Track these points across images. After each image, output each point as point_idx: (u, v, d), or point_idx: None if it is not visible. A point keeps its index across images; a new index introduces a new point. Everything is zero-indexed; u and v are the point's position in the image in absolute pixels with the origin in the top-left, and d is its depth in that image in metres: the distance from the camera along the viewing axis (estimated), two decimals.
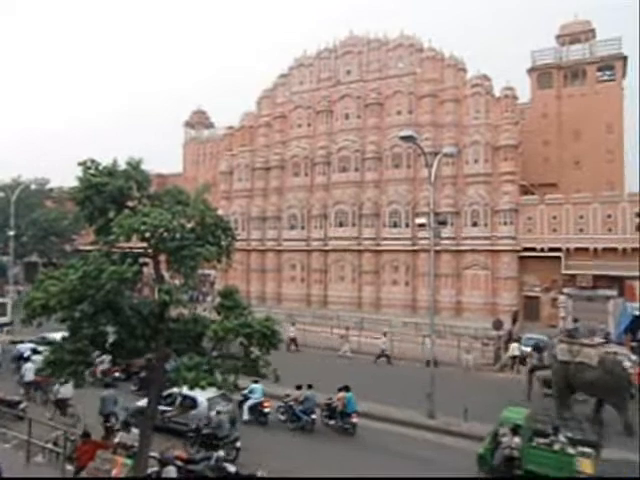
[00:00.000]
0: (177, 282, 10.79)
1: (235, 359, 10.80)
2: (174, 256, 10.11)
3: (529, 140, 43.77)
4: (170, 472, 12.12)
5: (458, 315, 37.47)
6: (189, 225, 10.44)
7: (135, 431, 13.23)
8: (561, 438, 13.34)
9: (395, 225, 40.78)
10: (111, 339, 10.54)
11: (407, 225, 40.16)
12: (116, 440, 13.66)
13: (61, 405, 15.80)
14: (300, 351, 28.46)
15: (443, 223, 26.50)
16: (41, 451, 13.65)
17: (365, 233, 42.05)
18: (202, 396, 15.63)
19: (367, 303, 41.43)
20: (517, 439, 12.80)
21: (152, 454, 11.48)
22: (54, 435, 13.65)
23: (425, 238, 32.99)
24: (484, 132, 38.31)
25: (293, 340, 28.98)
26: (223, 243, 11.01)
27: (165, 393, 15.44)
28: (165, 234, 9.52)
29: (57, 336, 15.65)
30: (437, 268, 36.05)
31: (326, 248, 43.75)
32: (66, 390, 15.16)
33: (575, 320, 27.89)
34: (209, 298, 43.56)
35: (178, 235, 9.91)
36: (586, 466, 12.06)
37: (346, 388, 17.00)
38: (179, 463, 12.46)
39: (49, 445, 13.52)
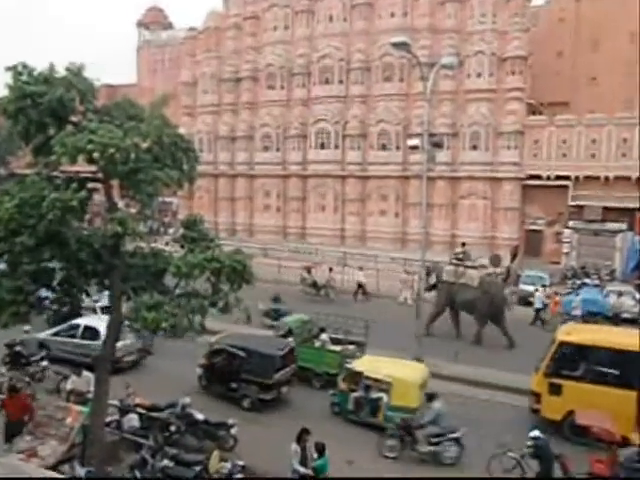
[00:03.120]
0: (133, 211, 10.60)
1: (202, 297, 10.84)
2: (128, 181, 9.86)
3: (540, 51, 42.86)
4: (132, 420, 12.46)
5: (453, 250, 38.13)
6: (144, 145, 10.11)
7: (88, 375, 13.45)
8: (323, 337, 17.15)
9: (384, 147, 40.52)
10: (59, 276, 10.45)
11: (398, 148, 39.94)
12: (68, 387, 13.88)
13: (75, 399, 13.74)
14: (369, 300, 27.54)
15: (438, 145, 26.43)
16: None
17: (350, 156, 41.78)
18: (104, 327, 16.16)
19: (351, 236, 41.85)
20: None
21: (111, 402, 11.70)
22: None
23: (418, 163, 32.89)
24: (490, 40, 37.42)
25: (361, 287, 28.19)
26: (185, 166, 10.75)
27: (67, 324, 16.08)
28: (116, 155, 9.21)
29: None
30: (430, 197, 36.17)
31: (305, 173, 43.49)
32: (81, 382, 13.87)
33: (463, 244, 28.78)
34: (171, 230, 43.44)
35: (132, 156, 9.59)
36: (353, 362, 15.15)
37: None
38: (141, 410, 12.77)
39: None
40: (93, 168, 9.99)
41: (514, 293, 26.36)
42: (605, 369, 13.61)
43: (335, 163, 42.22)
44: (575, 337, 14.45)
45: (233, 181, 46.97)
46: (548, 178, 36.82)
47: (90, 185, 10.23)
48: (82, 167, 10.26)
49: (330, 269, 29.01)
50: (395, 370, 14.10)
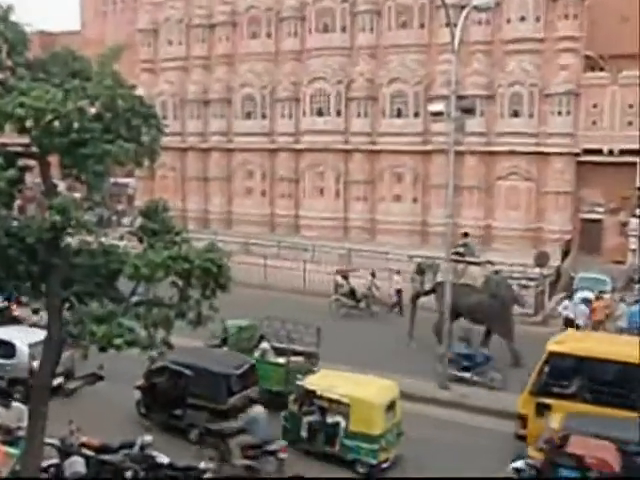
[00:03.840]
0: (77, 196, 10.60)
1: (166, 307, 10.86)
2: (70, 156, 9.86)
3: None
4: (76, 464, 12.42)
5: (486, 245, 38.15)
6: (92, 110, 10.12)
7: (19, 406, 13.43)
8: (263, 346, 17.76)
9: (399, 114, 40.50)
10: None
11: (417, 114, 39.93)
12: None
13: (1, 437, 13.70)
14: (403, 316, 26.70)
15: (469, 111, 26.33)
16: None
17: (355, 126, 41.78)
18: (22, 341, 17.06)
19: (357, 227, 41.94)
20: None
21: (48, 441, 11.70)
22: None
23: (442, 134, 32.80)
24: None
25: (399, 292, 27.85)
26: (145, 138, 10.75)
27: None
28: (55, 123, 9.20)
29: None
30: (458, 178, 36.14)
31: (298, 147, 43.52)
32: (10, 415, 13.78)
33: (465, 234, 29.31)
34: (126, 220, 43.36)
35: (75, 125, 9.60)
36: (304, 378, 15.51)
37: None
38: (88, 452, 12.78)
39: None
40: (25, 140, 9.99)
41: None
42: (603, 386, 14.01)
43: (336, 134, 42.21)
44: (567, 347, 14.84)
45: (206, 157, 46.96)
46: (610, 153, 36.88)
47: (21, 162, 10.21)
48: (10, 139, 10.24)
49: (372, 274, 28.52)
50: (355, 389, 14.35)
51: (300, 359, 17.58)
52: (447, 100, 20.02)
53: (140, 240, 11.36)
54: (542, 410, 14.07)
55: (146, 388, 15.83)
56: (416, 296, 23.69)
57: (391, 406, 14.24)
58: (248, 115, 45.07)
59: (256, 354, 17.51)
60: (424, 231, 40.40)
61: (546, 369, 14.49)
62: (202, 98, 46.56)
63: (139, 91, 12.17)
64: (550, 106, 37.61)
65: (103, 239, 11.74)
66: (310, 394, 14.44)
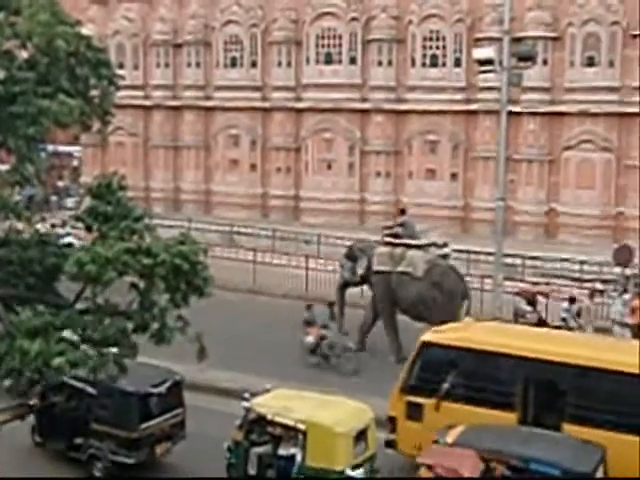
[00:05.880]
0: (4, 168, 10.65)
1: (123, 316, 10.91)
2: None
3: None
4: None
5: (549, 237, 38.21)
6: (23, 54, 10.14)
7: None
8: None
9: (434, 63, 40.51)
10: None
11: (457, 62, 40.02)
12: None
13: None
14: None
15: (528, 59, 26.14)
16: None
17: (375, 77, 41.84)
18: None
19: (375, 212, 41.70)
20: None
21: None
22: None
23: (492, 88, 32.73)
24: None
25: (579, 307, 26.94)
26: (93, 92, 10.77)
27: None
28: None
29: None
30: (512, 148, 36.09)
31: (299, 105, 43.54)
32: None
33: (402, 211, 29.17)
34: (70, 201, 43.48)
35: (2, 74, 9.63)
36: None
37: None
38: None
39: None
40: None
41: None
42: (481, 383, 15.16)
43: (350, 88, 42.29)
44: (443, 337, 15.91)
45: (176, 118, 47.07)
46: None
47: None
48: None
49: (592, 292, 26.45)
50: (314, 413, 14.35)
51: None
52: (498, 44, 19.93)
53: (88, 228, 11.41)
54: (414, 411, 14.99)
55: (41, 410, 15.80)
56: (344, 285, 25.11)
57: (361, 435, 14.13)
58: (233, 63, 45.09)
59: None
60: (466, 217, 40.54)
61: (418, 363, 15.49)
62: (171, 40, 46.59)
63: (86, 30, 12.18)
64: (634, 50, 37.50)
65: (38, 226, 11.77)
66: (260, 419, 14.47)
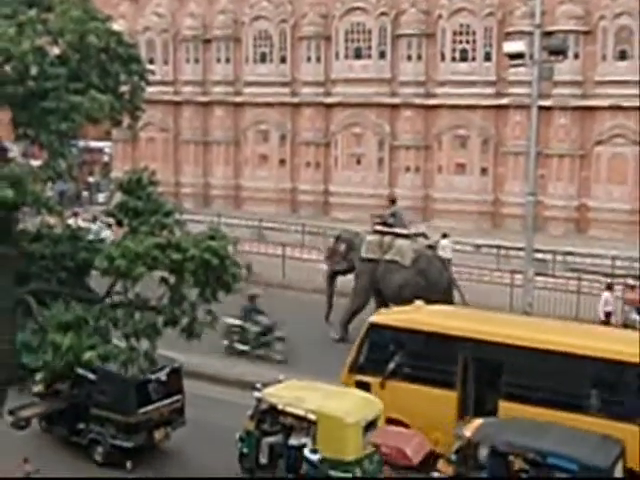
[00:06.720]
0: (36, 164, 10.70)
1: (153, 311, 10.95)
2: (26, 111, 9.97)
3: None
4: None
5: (579, 232, 37.90)
6: (55, 50, 10.18)
7: None
8: None
9: (464, 57, 40.32)
10: None
11: (487, 57, 39.78)
12: None
13: None
14: None
15: (560, 53, 25.96)
16: None
17: (405, 72, 41.69)
18: None
19: (405, 207, 41.34)
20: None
21: None
22: None
23: (522, 82, 32.56)
24: None
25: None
26: (124, 88, 10.80)
27: None
28: (6, 67, 9.30)
29: None
30: (543, 142, 35.85)
31: (329, 100, 43.44)
32: None
33: (392, 201, 30.93)
34: (101, 196, 43.69)
35: (33, 70, 9.68)
36: None
37: None
38: None
39: None
40: None
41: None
42: (424, 362, 16.40)
43: (380, 83, 42.16)
44: (389, 318, 17.26)
45: (206, 113, 47.11)
46: None
47: None
48: None
49: (624, 288, 26.02)
50: (324, 403, 14.59)
51: None
52: (529, 37, 19.81)
53: (119, 223, 11.46)
54: (362, 390, 15.87)
55: (47, 397, 16.14)
56: (333, 274, 25.80)
57: (371, 426, 14.44)
58: (262, 58, 45.08)
59: None
60: (496, 213, 40.30)
61: (366, 343, 16.78)
62: (201, 35, 46.66)
63: (117, 25, 12.23)
64: None
65: (70, 221, 11.82)
66: (271, 409, 14.82)
